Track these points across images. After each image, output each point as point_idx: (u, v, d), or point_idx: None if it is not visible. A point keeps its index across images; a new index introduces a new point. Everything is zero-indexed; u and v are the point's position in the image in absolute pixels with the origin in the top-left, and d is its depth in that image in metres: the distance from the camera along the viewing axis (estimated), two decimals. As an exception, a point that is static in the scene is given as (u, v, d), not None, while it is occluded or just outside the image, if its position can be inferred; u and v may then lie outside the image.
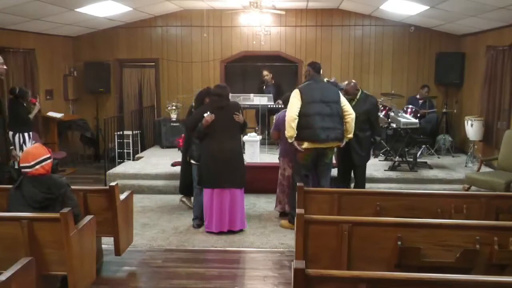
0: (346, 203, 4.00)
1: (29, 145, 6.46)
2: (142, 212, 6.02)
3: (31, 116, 7.02)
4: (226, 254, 4.76)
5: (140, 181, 7.10)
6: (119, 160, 8.58)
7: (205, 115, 5.02)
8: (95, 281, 3.76)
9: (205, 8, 9.20)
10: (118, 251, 4.24)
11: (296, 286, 2.27)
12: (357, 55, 9.49)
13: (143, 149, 9.39)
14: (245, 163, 5.46)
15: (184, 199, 6.18)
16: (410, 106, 8.25)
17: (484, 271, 3.02)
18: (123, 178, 7.08)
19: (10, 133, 6.40)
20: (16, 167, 5.14)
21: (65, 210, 3.27)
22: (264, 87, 9.16)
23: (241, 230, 5.27)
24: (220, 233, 5.17)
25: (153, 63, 9.78)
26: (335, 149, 5.44)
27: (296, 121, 4.95)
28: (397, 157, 7.46)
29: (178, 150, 5.83)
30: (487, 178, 6.01)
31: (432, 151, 8.45)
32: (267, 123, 8.50)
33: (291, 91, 5.19)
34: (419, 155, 8.06)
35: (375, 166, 7.45)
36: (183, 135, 5.70)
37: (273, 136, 5.94)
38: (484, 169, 6.75)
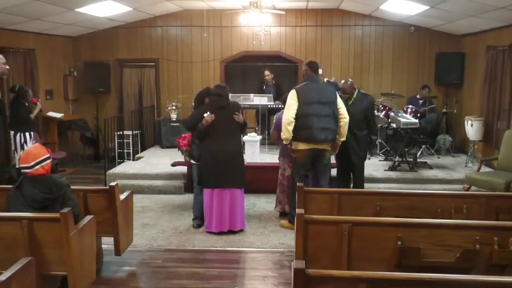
0: (346, 203, 4.00)
1: (30, 145, 6.46)
2: (142, 212, 6.02)
3: (32, 116, 7.01)
4: (226, 254, 4.76)
5: (140, 181, 7.10)
6: (119, 160, 8.57)
7: (205, 115, 5.02)
8: (95, 281, 3.76)
9: (205, 8, 9.20)
10: (118, 251, 4.24)
11: (296, 286, 2.27)
12: (357, 55, 9.49)
13: (143, 149, 9.39)
14: (245, 163, 5.46)
15: None
16: (410, 106, 8.24)
17: (484, 271, 3.02)
18: (123, 178, 7.09)
19: (11, 132, 6.41)
20: (17, 166, 5.14)
21: (65, 210, 3.27)
22: (264, 87, 9.17)
23: (241, 230, 5.27)
24: (220, 233, 5.17)
25: (153, 63, 9.78)
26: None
27: (293, 124, 4.95)
28: (397, 157, 7.46)
29: (178, 150, 5.81)
30: (487, 178, 6.01)
31: (432, 151, 8.45)
32: (267, 123, 8.50)
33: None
34: (419, 155, 8.06)
35: (375, 166, 7.45)
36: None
37: (273, 136, 5.94)
38: (484, 169, 6.75)
